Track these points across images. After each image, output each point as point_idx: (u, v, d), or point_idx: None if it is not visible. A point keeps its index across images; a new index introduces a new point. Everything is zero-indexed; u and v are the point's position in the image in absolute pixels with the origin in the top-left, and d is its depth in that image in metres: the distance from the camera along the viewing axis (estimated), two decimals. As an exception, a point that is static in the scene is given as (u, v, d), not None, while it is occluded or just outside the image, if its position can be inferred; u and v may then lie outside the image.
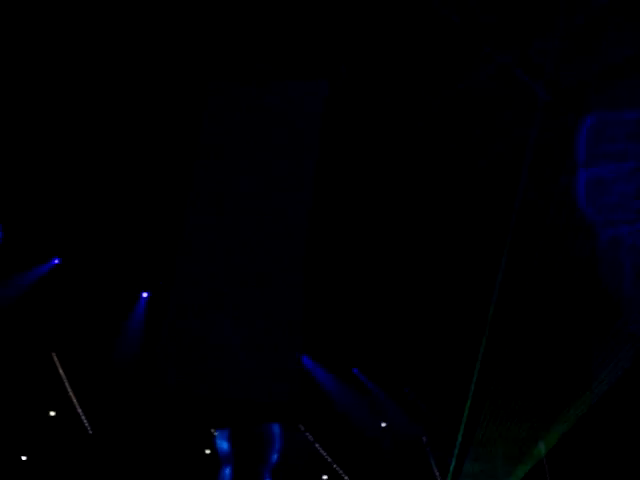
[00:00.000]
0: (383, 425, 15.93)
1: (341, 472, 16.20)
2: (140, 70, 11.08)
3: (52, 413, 15.13)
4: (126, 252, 13.94)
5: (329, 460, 16.21)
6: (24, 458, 14.66)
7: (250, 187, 9.28)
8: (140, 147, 12.14)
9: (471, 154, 11.61)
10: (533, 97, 11.32)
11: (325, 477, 16.82)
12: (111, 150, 12.27)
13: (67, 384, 15.37)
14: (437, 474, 15.83)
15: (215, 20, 10.45)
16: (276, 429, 15.12)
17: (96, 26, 10.53)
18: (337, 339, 15.01)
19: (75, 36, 10.69)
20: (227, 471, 14.96)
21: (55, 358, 15.32)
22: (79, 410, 15.41)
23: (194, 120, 10.10)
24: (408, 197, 12.84)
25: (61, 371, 15.32)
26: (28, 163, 12.39)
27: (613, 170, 10.71)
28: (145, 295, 15.39)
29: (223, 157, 9.56)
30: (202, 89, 10.12)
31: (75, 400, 15.41)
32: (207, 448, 15.38)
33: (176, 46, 10.72)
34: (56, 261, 14.63)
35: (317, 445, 16.20)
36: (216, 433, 15.19)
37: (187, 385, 8.49)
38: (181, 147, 10.80)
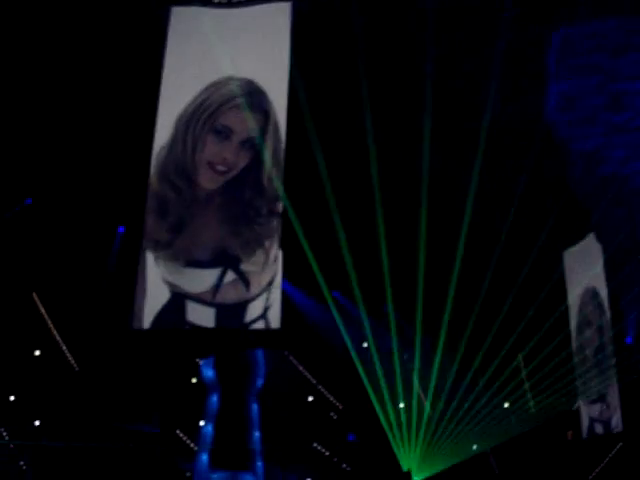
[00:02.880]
0: (365, 345, 16.12)
1: (326, 393, 16.43)
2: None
3: (37, 352, 15.20)
4: (96, 189, 13.86)
5: (314, 382, 16.44)
6: (12, 398, 14.77)
7: None
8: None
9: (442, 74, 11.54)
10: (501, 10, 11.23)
11: (311, 398, 17.08)
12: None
13: (50, 323, 15.42)
14: (420, 391, 16.14)
15: None
16: (260, 355, 15.39)
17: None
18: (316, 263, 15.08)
19: None
20: (214, 398, 15.26)
21: (36, 298, 15.34)
22: (63, 348, 15.49)
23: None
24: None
25: (43, 310, 15.36)
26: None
27: (582, 84, 10.70)
28: (121, 230, 15.35)
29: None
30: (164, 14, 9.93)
31: (59, 338, 15.48)
32: (193, 377, 15.58)
33: None
34: (29, 201, 14.54)
35: (301, 368, 16.40)
36: (201, 362, 15.45)
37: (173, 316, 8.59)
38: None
